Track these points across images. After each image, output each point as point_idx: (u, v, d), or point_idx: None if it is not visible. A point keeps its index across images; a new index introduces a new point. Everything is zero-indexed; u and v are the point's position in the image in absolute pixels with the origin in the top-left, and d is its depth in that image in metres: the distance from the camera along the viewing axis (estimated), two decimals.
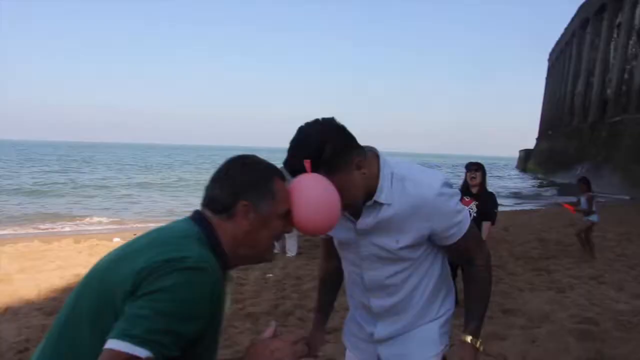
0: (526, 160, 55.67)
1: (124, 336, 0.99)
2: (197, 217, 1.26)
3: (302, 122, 1.50)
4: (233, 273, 4.72)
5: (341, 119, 1.51)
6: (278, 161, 1.47)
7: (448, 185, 1.60)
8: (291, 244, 7.82)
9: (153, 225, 1.99)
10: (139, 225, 12.65)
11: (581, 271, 6.93)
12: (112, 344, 0.99)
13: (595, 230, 8.53)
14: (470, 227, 1.63)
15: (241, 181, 1.25)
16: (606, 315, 4.95)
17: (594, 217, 8.05)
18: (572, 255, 8.08)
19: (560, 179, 37.10)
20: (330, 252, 1.93)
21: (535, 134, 57.15)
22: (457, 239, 1.62)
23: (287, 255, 7.75)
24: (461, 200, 1.74)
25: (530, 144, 57.56)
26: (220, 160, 1.30)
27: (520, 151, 60.89)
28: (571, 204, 8.62)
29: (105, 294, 1.10)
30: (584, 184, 8.20)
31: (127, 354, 0.98)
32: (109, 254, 1.23)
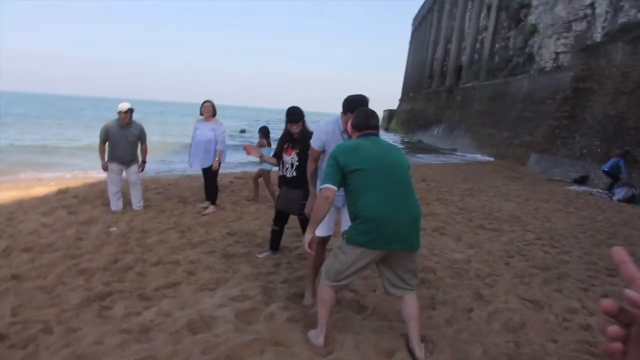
0: (389, 120, 58.31)
1: None
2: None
3: None
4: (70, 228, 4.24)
5: None
6: None
7: None
8: (135, 196, 7.41)
9: None
10: None
11: (427, 223, 7.35)
12: None
13: (444, 185, 9.10)
14: None
15: None
16: (443, 264, 5.31)
17: (266, 166, 8.20)
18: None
19: (419, 138, 39.50)
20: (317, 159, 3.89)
21: (399, 96, 60.00)
22: None
23: (134, 208, 7.33)
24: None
25: (395, 104, 60.40)
26: None
27: (384, 111, 63.58)
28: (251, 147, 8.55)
29: (406, 165, 3.21)
30: (262, 133, 8.44)
31: None
32: (382, 152, 3.14)
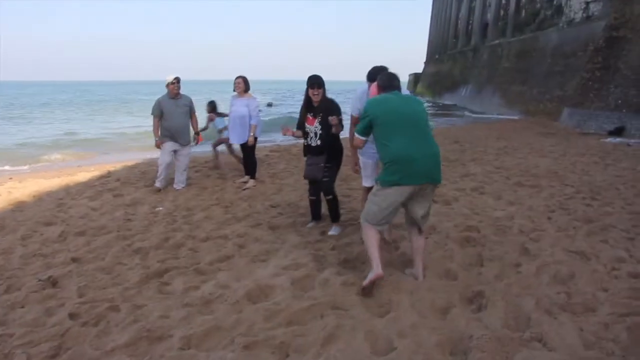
0: (415, 83, 57.50)
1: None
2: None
3: None
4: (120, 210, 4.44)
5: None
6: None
7: None
8: (179, 178, 7.58)
9: None
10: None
11: (465, 184, 7.39)
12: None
13: (479, 145, 9.06)
14: None
15: None
16: (486, 222, 5.35)
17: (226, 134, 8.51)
18: (457, 171, 8.58)
19: (447, 100, 38.95)
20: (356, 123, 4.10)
21: (424, 58, 58.96)
22: None
23: (175, 188, 7.50)
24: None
25: (420, 67, 59.44)
26: None
27: (410, 75, 62.62)
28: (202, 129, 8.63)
29: (424, 113, 3.73)
30: (210, 107, 9.00)
31: None
32: (404, 102, 3.67)
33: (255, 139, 7.51)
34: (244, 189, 7.39)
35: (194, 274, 4.14)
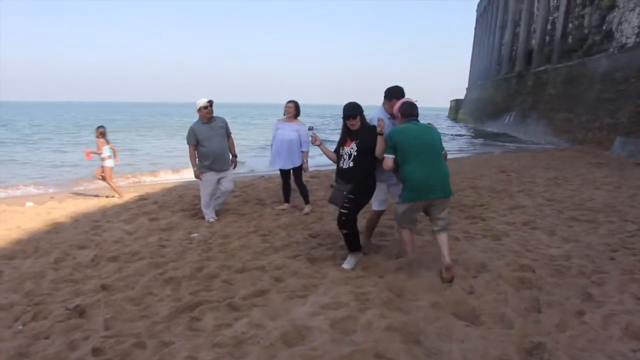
0: (457, 109, 56.87)
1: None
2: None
3: None
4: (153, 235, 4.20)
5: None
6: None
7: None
8: (218, 202, 7.34)
9: None
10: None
11: (515, 217, 6.96)
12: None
13: (525, 176, 8.60)
14: None
15: None
16: (541, 261, 4.93)
17: (108, 163, 9.26)
18: (505, 202, 8.14)
19: (489, 127, 38.17)
20: None
21: (466, 85, 58.36)
22: None
23: (208, 220, 7.01)
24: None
25: (461, 94, 58.80)
26: None
27: (451, 101, 62.04)
28: (92, 151, 9.39)
29: (439, 141, 4.55)
30: (99, 132, 9.25)
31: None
32: (422, 132, 4.49)
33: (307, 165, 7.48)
34: (304, 213, 7.29)
35: (226, 310, 3.90)
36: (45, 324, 3.63)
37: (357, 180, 4.68)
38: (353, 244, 4.90)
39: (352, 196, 4.64)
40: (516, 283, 4.30)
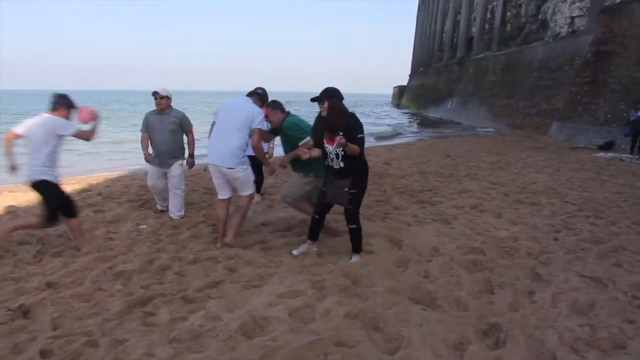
0: (400, 96, 57.67)
1: None
2: None
3: None
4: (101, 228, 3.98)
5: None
6: None
7: None
8: (174, 203, 6.49)
9: None
10: None
11: (463, 201, 7.12)
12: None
13: (470, 160, 8.87)
14: None
15: None
16: (490, 243, 5.06)
17: None
18: (452, 187, 8.32)
19: (432, 113, 38.99)
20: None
21: (409, 71, 59.22)
22: None
23: (171, 217, 6.43)
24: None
25: (404, 80, 59.64)
26: None
27: (394, 87, 62.83)
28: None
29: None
30: None
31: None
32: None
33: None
34: (255, 202, 6.96)
35: (181, 303, 3.77)
36: None
37: (353, 174, 4.41)
38: (359, 240, 4.66)
39: (354, 191, 4.39)
40: (469, 266, 4.41)
